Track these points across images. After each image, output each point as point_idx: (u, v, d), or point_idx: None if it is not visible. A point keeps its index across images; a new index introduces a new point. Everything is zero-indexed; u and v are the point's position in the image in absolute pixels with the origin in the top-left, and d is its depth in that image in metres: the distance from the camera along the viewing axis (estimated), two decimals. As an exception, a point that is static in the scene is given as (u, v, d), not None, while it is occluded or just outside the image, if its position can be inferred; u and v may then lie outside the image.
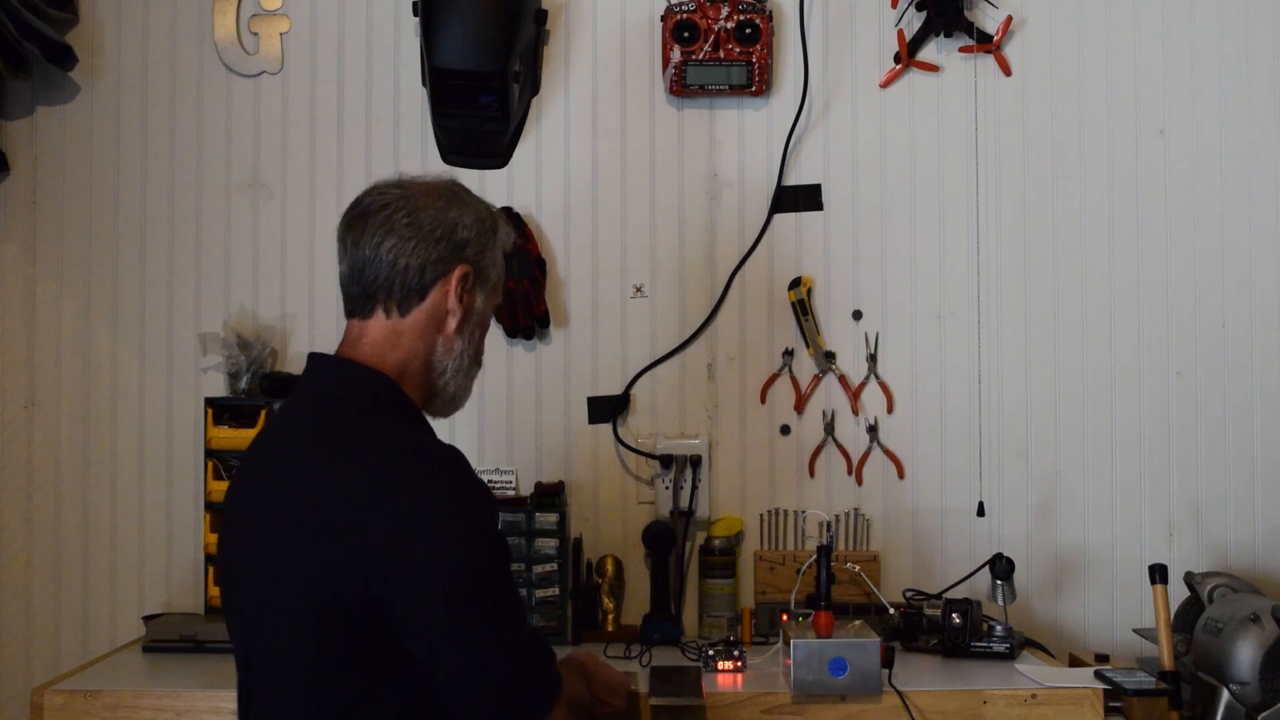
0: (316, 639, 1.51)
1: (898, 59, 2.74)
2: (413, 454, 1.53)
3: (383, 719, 1.52)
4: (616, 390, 2.72)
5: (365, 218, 1.64)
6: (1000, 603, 2.41)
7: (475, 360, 1.72)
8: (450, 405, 1.71)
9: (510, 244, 1.76)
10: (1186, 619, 2.42)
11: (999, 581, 2.42)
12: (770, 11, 2.69)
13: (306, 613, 1.51)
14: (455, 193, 1.70)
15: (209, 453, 2.55)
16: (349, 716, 1.51)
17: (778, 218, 2.74)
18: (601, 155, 2.75)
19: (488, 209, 1.73)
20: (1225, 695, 2.20)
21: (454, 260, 1.65)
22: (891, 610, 2.50)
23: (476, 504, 1.53)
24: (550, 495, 2.56)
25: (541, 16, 2.69)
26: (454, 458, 1.55)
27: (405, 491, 1.49)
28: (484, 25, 2.54)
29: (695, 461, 2.65)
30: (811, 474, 2.72)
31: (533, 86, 2.73)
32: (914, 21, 2.74)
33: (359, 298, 1.65)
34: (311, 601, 1.50)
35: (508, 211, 2.69)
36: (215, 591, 2.50)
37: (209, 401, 2.58)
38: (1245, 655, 2.18)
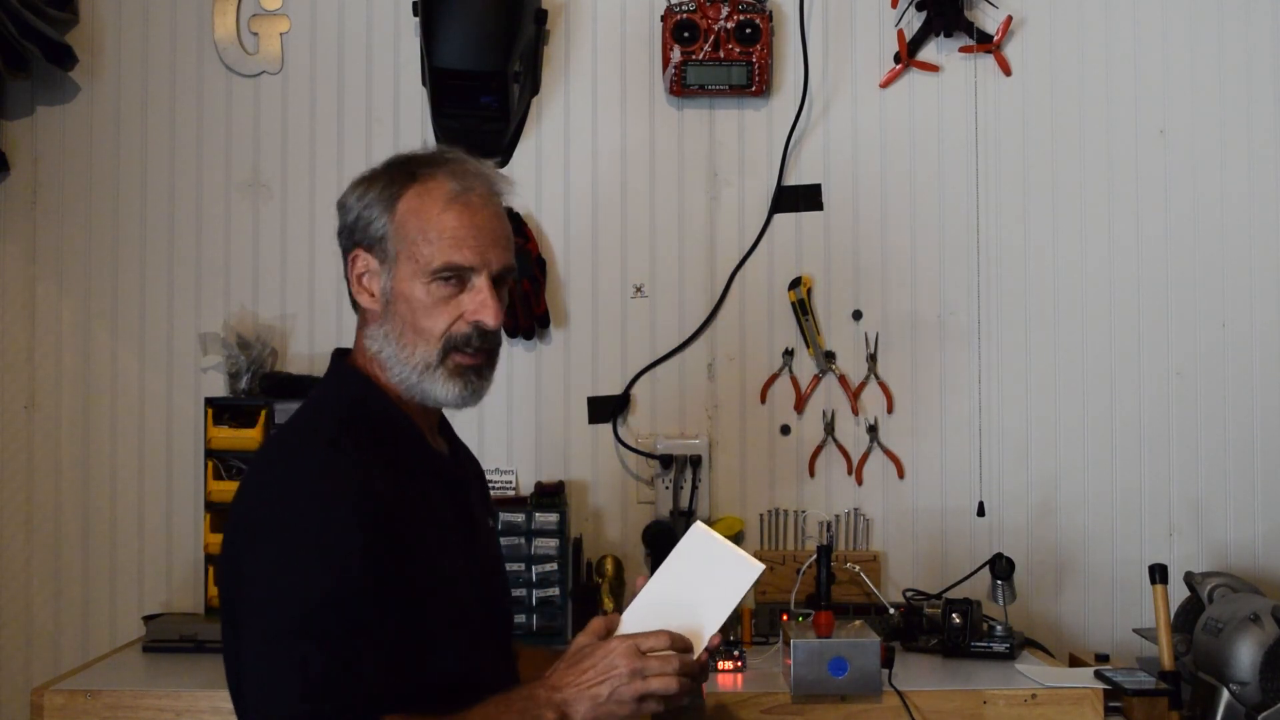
0: (228, 643, 1.52)
1: (898, 59, 2.74)
2: (269, 470, 1.51)
3: None
4: (616, 390, 2.72)
5: None
6: (1000, 603, 2.41)
7: (420, 338, 1.52)
8: (426, 396, 1.55)
9: (454, 191, 1.53)
10: (1186, 619, 2.42)
11: (999, 581, 2.42)
12: (770, 11, 2.69)
13: (224, 618, 1.52)
14: (373, 171, 1.57)
15: (209, 453, 2.55)
16: None
17: (778, 218, 2.74)
18: (601, 155, 2.75)
19: (397, 166, 1.56)
20: (1225, 695, 2.20)
21: (349, 248, 1.56)
22: (891, 610, 2.50)
23: (292, 530, 1.41)
24: (550, 495, 2.56)
25: (541, 16, 2.69)
26: (304, 480, 1.44)
27: (245, 504, 1.48)
28: (484, 25, 2.54)
29: (695, 461, 2.65)
30: (811, 474, 2.72)
31: (533, 86, 2.73)
32: (914, 21, 2.74)
33: None
34: (222, 605, 1.52)
35: (508, 212, 2.68)
36: (215, 591, 2.50)
37: (209, 401, 2.58)
38: (1245, 655, 2.18)
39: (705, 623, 1.55)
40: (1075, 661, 2.44)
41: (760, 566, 1.59)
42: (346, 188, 1.59)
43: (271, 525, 1.43)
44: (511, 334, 2.69)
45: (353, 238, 1.56)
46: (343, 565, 1.39)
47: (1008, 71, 2.74)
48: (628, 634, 1.49)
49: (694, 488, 2.64)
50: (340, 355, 1.64)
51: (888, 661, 2.09)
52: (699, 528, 1.62)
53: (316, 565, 1.39)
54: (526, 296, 2.67)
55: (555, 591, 2.48)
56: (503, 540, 2.44)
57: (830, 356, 2.72)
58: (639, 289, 2.74)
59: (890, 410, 2.72)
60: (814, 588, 2.22)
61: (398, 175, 1.55)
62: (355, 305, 1.60)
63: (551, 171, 2.75)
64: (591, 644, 1.48)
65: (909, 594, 2.57)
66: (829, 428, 2.72)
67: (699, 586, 1.58)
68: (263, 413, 2.54)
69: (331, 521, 1.40)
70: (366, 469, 1.46)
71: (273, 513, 1.44)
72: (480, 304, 1.53)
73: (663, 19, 2.68)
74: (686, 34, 2.66)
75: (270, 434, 1.45)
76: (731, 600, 1.58)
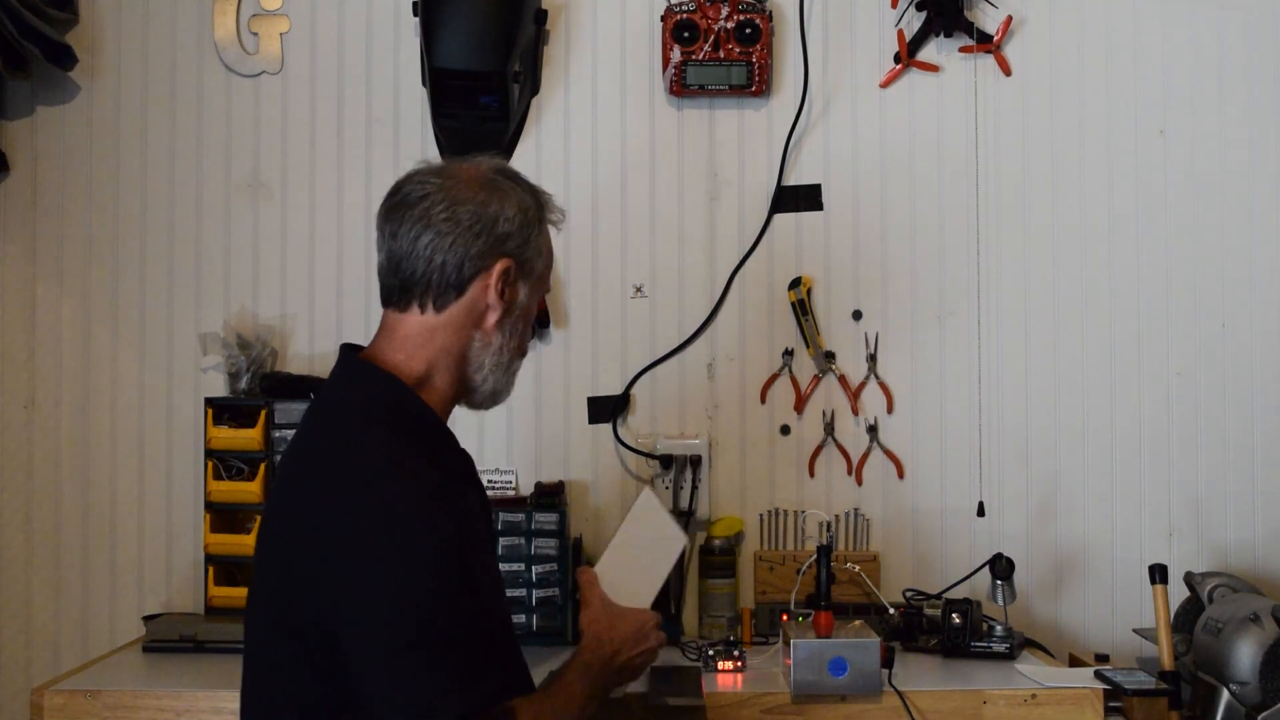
0: (280, 651, 1.50)
1: (898, 59, 2.74)
2: (374, 487, 1.46)
3: None
4: (616, 390, 2.72)
5: (404, 208, 1.58)
6: (1000, 603, 2.41)
7: (518, 353, 1.66)
8: (490, 400, 1.66)
9: (561, 221, 1.70)
10: (1186, 619, 2.42)
11: (999, 581, 2.42)
12: (770, 11, 2.69)
13: (274, 624, 1.51)
14: (496, 182, 1.61)
15: (209, 453, 2.55)
16: None
17: (778, 218, 2.74)
18: (601, 155, 2.75)
19: (533, 194, 1.65)
20: (1225, 695, 2.20)
21: (495, 254, 1.58)
22: (891, 610, 2.50)
23: (419, 546, 1.44)
24: (550, 495, 2.56)
25: (541, 16, 2.69)
26: (415, 493, 1.46)
27: (353, 526, 1.45)
28: (484, 25, 2.54)
29: (695, 461, 2.65)
30: (811, 474, 2.72)
31: (533, 86, 2.73)
32: (914, 21, 2.74)
33: (395, 289, 1.59)
34: (277, 612, 1.50)
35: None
36: (215, 591, 2.50)
37: (209, 401, 2.58)
38: (1245, 655, 2.18)
39: (644, 588, 1.78)
40: (1075, 661, 2.44)
41: (684, 539, 1.90)
42: (479, 198, 1.59)
43: (381, 545, 1.43)
44: (512, 334, 2.70)
45: (504, 246, 1.59)
46: (448, 573, 1.45)
47: (1008, 71, 2.74)
48: (650, 612, 1.73)
49: (694, 488, 2.64)
50: (351, 351, 1.63)
51: (888, 661, 2.09)
52: (646, 495, 1.84)
53: (427, 578, 1.43)
54: (526, 296, 2.67)
55: (555, 591, 2.48)
56: (503, 540, 2.46)
57: (830, 356, 2.72)
58: (639, 289, 2.74)
59: (890, 410, 2.72)
60: (814, 588, 2.22)
61: (527, 201, 1.64)
62: (422, 303, 1.58)
63: (551, 171, 2.74)
64: (618, 606, 1.72)
65: (909, 594, 2.57)
66: (829, 428, 2.72)
67: (645, 550, 1.82)
68: (263, 413, 2.54)
69: (434, 538, 1.45)
70: (449, 478, 1.54)
71: (379, 533, 1.43)
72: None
73: (663, 19, 2.68)
74: (686, 34, 2.66)
75: (323, 434, 1.47)
76: (663, 570, 1.83)
